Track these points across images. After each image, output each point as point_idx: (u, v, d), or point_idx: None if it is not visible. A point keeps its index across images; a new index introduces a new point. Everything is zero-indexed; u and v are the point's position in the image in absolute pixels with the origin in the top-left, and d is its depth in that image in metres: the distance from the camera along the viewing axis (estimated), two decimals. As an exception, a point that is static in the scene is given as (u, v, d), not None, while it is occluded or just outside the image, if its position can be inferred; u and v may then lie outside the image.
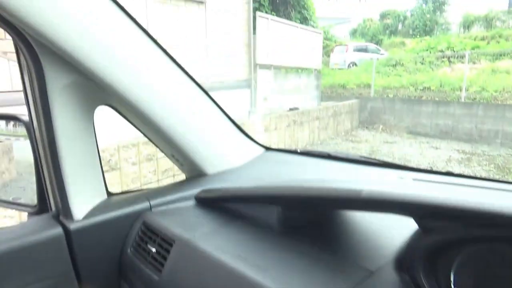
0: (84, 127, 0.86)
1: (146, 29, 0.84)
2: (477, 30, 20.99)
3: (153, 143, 1.04)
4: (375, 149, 7.52)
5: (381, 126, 9.67)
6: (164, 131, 0.91)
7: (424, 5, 25.30)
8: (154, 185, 4.30)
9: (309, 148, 6.74)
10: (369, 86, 11.17)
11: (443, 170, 1.09)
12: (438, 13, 24.63)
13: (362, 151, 7.33)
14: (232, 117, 1.11)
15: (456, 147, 7.87)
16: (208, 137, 1.02)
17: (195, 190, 0.99)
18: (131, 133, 1.03)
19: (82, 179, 0.87)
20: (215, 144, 1.05)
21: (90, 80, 0.79)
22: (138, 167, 4.14)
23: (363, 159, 1.13)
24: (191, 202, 0.98)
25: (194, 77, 0.97)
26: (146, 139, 1.08)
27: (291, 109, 7.98)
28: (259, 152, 1.20)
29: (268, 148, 1.24)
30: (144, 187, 4.16)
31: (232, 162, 1.09)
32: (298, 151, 1.27)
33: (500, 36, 16.67)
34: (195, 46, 5.76)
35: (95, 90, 0.83)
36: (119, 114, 0.95)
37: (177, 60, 0.92)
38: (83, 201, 0.87)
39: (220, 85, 6.29)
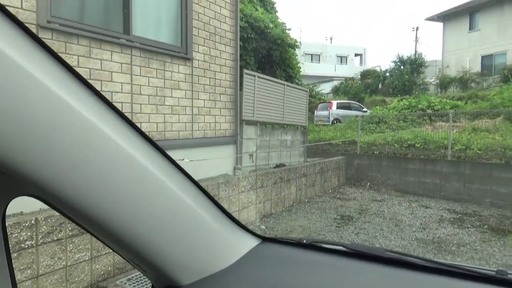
0: None
1: (87, 81, 0.56)
2: (453, 90, 21.94)
3: (102, 242, 0.73)
4: (364, 207, 7.26)
5: (368, 184, 9.50)
6: (115, 234, 0.61)
7: (402, 67, 26.58)
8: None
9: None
10: (354, 142, 11.17)
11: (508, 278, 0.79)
12: (415, 74, 25.83)
13: (351, 209, 7.06)
14: (217, 201, 0.81)
15: (446, 206, 7.70)
16: (180, 234, 0.71)
17: None
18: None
19: None
20: (190, 242, 0.73)
21: None
22: (111, 230, 3.75)
23: (390, 255, 0.85)
24: None
25: (158, 145, 0.68)
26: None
27: (277, 166, 7.78)
28: (253, 244, 0.90)
29: (265, 239, 0.94)
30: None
31: (216, 264, 0.78)
32: (304, 241, 0.97)
33: (476, 96, 17.38)
34: (180, 102, 5.61)
35: (1, 180, 0.56)
36: (47, 205, 0.63)
37: (132, 121, 0.63)
38: None
39: (204, 141, 6.08)
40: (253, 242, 0.91)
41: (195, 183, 0.75)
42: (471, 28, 24.67)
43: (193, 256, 0.75)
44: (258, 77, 7.48)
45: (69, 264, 3.37)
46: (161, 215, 0.66)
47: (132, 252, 0.67)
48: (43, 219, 3.17)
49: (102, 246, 3.68)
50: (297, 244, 0.96)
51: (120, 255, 0.76)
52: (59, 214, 3.28)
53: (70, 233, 3.39)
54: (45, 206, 3.64)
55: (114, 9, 4.68)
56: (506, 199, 7.57)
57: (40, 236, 3.15)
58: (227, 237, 0.83)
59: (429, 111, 14.15)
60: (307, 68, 28.06)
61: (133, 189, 0.61)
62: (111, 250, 3.76)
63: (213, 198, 0.81)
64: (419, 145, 9.89)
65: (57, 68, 0.52)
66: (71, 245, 3.39)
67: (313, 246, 0.95)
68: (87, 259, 3.53)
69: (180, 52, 5.57)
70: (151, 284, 0.84)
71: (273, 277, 0.80)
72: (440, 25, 26.84)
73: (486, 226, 6.15)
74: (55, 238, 3.27)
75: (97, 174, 0.56)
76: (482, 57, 23.74)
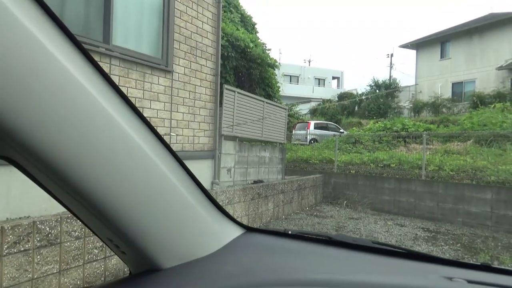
0: None
1: (79, 43, 0.54)
2: (426, 115, 22.70)
3: (78, 218, 0.68)
4: (341, 225, 7.28)
5: (345, 202, 9.57)
6: (97, 206, 0.58)
7: (377, 91, 27.37)
8: (98, 264, 3.73)
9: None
10: (331, 161, 11.30)
11: (497, 266, 0.83)
12: (390, 98, 26.63)
13: (328, 226, 7.06)
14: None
15: (420, 224, 7.82)
16: (166, 215, 0.68)
17: None
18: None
19: None
20: (175, 225, 0.70)
21: None
22: (83, 241, 3.60)
23: (378, 246, 0.84)
24: None
25: (151, 125, 0.66)
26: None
27: (255, 182, 7.74)
28: (237, 233, 0.87)
29: (249, 229, 0.91)
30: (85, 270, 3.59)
31: (199, 250, 0.76)
32: (289, 232, 0.95)
33: (448, 121, 18.02)
34: (158, 114, 5.55)
35: None
36: (20, 170, 0.59)
37: (127, 96, 0.62)
38: None
39: (182, 154, 6.01)
40: (237, 231, 0.89)
41: (184, 167, 0.72)
42: (442, 56, 25.79)
43: (176, 239, 0.71)
44: (238, 93, 7.52)
45: (35, 276, 3.19)
46: (148, 192, 0.63)
47: (115, 229, 0.63)
48: (9, 228, 3.01)
49: (71, 259, 3.51)
50: (282, 234, 0.95)
51: (98, 235, 0.72)
52: (27, 223, 3.13)
53: (38, 244, 3.23)
54: (13, 216, 3.47)
55: (94, 18, 4.64)
56: (477, 218, 7.76)
57: (5, 246, 2.98)
58: (212, 224, 0.80)
59: (403, 133, 14.54)
60: (285, 89, 28.46)
61: (123, 162, 0.59)
62: (81, 263, 3.60)
63: (201, 184, 0.78)
64: (394, 165, 10.09)
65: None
66: (38, 257, 3.22)
67: (298, 236, 0.93)
68: (55, 271, 3.35)
69: (161, 64, 5.55)
70: (129, 272, 0.80)
71: (257, 263, 0.77)
72: (413, 52, 27.94)
73: (459, 244, 6.26)
74: (22, 249, 3.10)
75: (86, 139, 0.54)
76: (453, 84, 24.77)
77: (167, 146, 0.68)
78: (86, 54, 0.55)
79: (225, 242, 0.82)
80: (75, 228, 3.54)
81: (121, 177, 0.58)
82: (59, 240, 3.39)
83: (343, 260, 0.80)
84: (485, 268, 0.77)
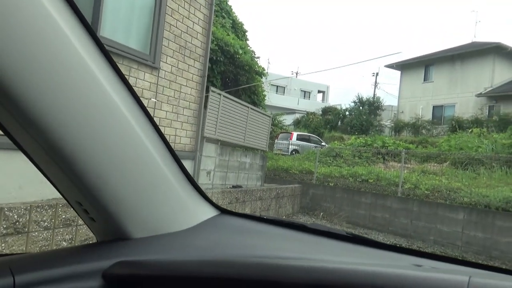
0: None
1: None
2: (406, 135, 23.19)
3: (46, 177, 0.66)
4: (316, 236, 7.31)
5: (321, 213, 9.63)
6: (71, 163, 0.56)
7: (361, 107, 27.83)
8: (67, 256, 3.62)
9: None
10: (311, 173, 11.37)
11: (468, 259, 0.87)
12: (373, 116, 27.11)
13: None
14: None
15: (393, 240, 7.93)
16: (141, 185, 0.66)
17: (105, 262, 0.63)
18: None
19: None
20: (150, 196, 0.69)
21: None
22: (51, 232, 3.49)
23: (351, 235, 0.86)
24: (96, 282, 0.62)
25: (137, 95, 0.66)
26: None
27: (234, 187, 7.71)
28: (212, 214, 0.86)
29: (225, 211, 0.90)
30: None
31: (171, 224, 0.74)
32: (264, 217, 0.94)
33: (426, 142, 18.44)
34: (142, 109, 5.48)
35: None
36: None
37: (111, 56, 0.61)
38: None
39: (163, 152, 5.93)
40: (212, 212, 0.88)
41: (166, 142, 0.72)
42: (425, 79, 26.47)
43: (149, 210, 0.71)
44: (224, 96, 7.52)
45: (-3, 265, 3.07)
46: (125, 158, 0.62)
47: (85, 194, 0.61)
48: (-25, 212, 2.90)
49: (38, 249, 3.40)
50: (257, 218, 0.94)
51: (66, 198, 0.70)
52: (-6, 209, 3.02)
53: (4, 231, 3.12)
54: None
55: (83, 6, 4.57)
56: (449, 237, 7.93)
57: (-32, 231, 2.87)
58: (188, 201, 0.79)
59: (383, 150, 14.79)
60: (271, 98, 28.66)
61: (101, 121, 0.57)
62: (47, 255, 3.49)
63: (180, 160, 0.77)
64: (372, 180, 10.23)
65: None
66: (3, 245, 3.11)
67: (273, 221, 0.93)
68: (19, 261, 3.23)
69: (148, 60, 5.50)
70: (96, 241, 0.78)
71: (229, 240, 0.77)
72: (398, 73, 28.59)
73: (429, 262, 6.36)
74: (-14, 235, 2.99)
75: (65, 93, 0.53)
76: (434, 106, 25.41)
77: (151, 120, 0.67)
78: (86, 26, 0.55)
79: (198, 221, 0.81)
80: (44, 218, 3.44)
81: (96, 135, 0.56)
82: (27, 229, 3.28)
83: (315, 244, 0.80)
84: (453, 260, 0.79)
